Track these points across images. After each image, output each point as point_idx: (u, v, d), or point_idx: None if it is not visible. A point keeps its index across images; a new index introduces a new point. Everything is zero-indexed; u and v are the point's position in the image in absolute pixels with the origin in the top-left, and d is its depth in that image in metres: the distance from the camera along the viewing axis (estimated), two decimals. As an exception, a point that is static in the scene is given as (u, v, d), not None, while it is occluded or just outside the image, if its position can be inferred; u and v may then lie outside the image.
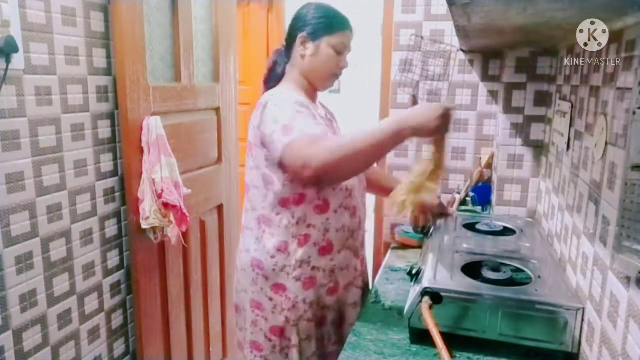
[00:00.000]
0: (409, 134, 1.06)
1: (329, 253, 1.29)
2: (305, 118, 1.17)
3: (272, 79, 1.40)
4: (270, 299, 1.28)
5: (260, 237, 1.28)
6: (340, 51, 1.33)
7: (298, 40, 1.32)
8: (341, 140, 1.15)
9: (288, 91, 1.31)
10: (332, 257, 1.30)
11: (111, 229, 1.64)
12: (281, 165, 1.19)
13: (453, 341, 0.99)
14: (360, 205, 1.37)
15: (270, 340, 1.30)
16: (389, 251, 1.71)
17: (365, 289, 1.44)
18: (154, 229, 1.64)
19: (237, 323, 1.42)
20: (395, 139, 1.07)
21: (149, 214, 1.59)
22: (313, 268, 1.27)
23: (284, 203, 1.25)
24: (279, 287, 1.27)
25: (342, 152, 1.07)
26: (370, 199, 1.84)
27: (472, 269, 1.16)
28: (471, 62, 1.79)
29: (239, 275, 1.36)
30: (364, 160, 1.12)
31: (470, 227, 1.51)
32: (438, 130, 1.07)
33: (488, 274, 1.11)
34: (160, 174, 1.61)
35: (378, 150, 1.10)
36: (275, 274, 1.27)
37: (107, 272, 1.64)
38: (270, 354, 1.30)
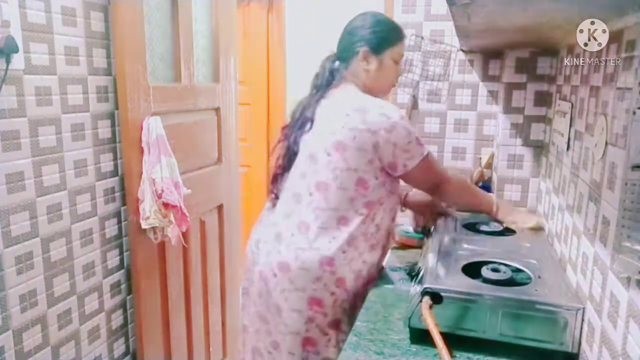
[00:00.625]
0: (494, 214, 1.50)
1: (375, 249, 1.37)
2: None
3: (325, 84, 1.41)
4: (332, 293, 1.29)
5: (337, 235, 1.29)
6: (399, 61, 1.43)
7: (360, 55, 1.37)
8: (466, 181, 1.57)
9: (374, 98, 1.37)
10: (375, 253, 1.37)
11: (111, 229, 1.64)
12: (409, 172, 1.32)
13: (453, 341, 0.99)
14: (399, 207, 1.55)
15: (326, 334, 1.31)
16: (389, 251, 1.71)
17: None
18: (154, 229, 1.64)
19: (275, 327, 1.34)
20: (480, 206, 1.51)
21: (149, 214, 1.59)
22: (364, 262, 1.34)
23: (367, 205, 1.31)
24: (340, 281, 1.30)
25: (464, 190, 1.50)
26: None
27: (472, 269, 1.16)
28: (471, 62, 1.79)
29: (292, 275, 1.29)
30: (463, 204, 1.55)
31: (470, 227, 1.51)
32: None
33: (488, 274, 1.11)
34: (160, 174, 1.61)
35: (470, 203, 1.53)
36: (341, 268, 1.29)
37: (107, 272, 1.64)
38: (324, 347, 1.31)
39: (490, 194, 1.54)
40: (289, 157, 1.40)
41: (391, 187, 1.36)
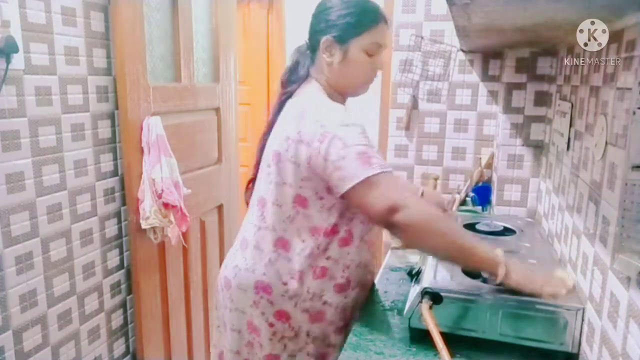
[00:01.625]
0: (503, 278, 0.99)
1: (344, 290, 1.16)
2: (372, 148, 1.03)
3: (293, 80, 1.19)
4: (271, 325, 1.14)
5: (275, 260, 1.12)
6: (373, 53, 1.14)
7: (322, 45, 1.12)
8: (442, 219, 1.04)
9: (330, 101, 1.13)
10: (347, 294, 1.17)
11: (111, 229, 1.64)
12: (345, 195, 1.02)
13: (453, 341, 0.99)
14: (375, 237, 1.26)
15: None
16: (389, 251, 1.71)
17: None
18: (154, 229, 1.64)
19: (217, 340, 1.27)
20: (478, 268, 1.06)
21: (149, 214, 1.59)
22: (324, 303, 1.14)
23: (313, 231, 1.10)
24: (282, 314, 1.13)
25: (438, 230, 1.00)
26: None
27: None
28: (471, 62, 1.79)
29: (233, 293, 1.18)
30: (441, 252, 1.04)
31: (470, 227, 1.51)
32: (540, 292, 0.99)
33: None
34: (160, 174, 1.61)
35: (457, 259, 1.05)
36: (282, 300, 1.12)
37: (107, 272, 1.64)
38: None
39: (497, 251, 1.03)
40: (257, 164, 1.24)
41: (353, 212, 1.11)
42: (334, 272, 1.13)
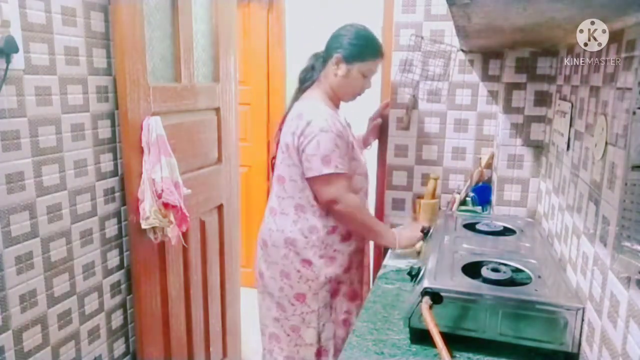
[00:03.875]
0: (394, 246, 1.59)
1: (347, 240, 1.61)
2: (340, 155, 1.49)
3: (307, 78, 1.64)
4: (298, 271, 1.56)
5: (297, 220, 1.56)
6: (368, 76, 1.60)
7: (334, 59, 1.56)
8: (364, 212, 1.61)
9: (323, 107, 1.55)
10: (350, 243, 1.61)
11: (111, 229, 1.64)
12: (309, 181, 1.52)
13: (453, 341, 0.99)
14: (367, 200, 1.74)
15: (293, 305, 1.58)
16: (389, 251, 1.71)
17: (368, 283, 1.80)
18: (154, 229, 1.64)
19: (260, 286, 1.68)
20: (384, 242, 1.62)
21: (149, 214, 1.59)
22: (335, 250, 1.58)
23: (317, 198, 1.55)
24: (306, 262, 1.56)
25: (357, 220, 1.56)
26: (370, 200, 1.85)
27: (472, 269, 1.16)
28: (471, 62, 1.79)
29: (268, 250, 1.61)
30: (359, 232, 1.62)
31: (470, 227, 1.51)
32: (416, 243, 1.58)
33: (488, 274, 1.11)
34: (160, 174, 1.61)
35: (369, 237, 1.69)
36: (305, 251, 1.55)
37: (107, 272, 1.64)
38: (291, 315, 1.59)
39: (393, 230, 1.62)
40: (276, 149, 1.65)
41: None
42: (340, 228, 1.58)
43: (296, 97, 1.65)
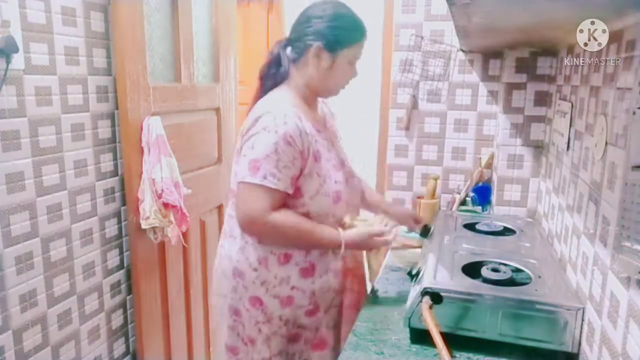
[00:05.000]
0: (345, 247, 1.22)
1: (310, 275, 1.23)
2: (275, 164, 1.13)
3: (271, 77, 1.27)
4: (247, 310, 1.24)
5: (244, 247, 1.23)
6: (354, 63, 1.26)
7: (312, 51, 1.21)
8: (292, 227, 1.18)
9: (287, 104, 1.20)
10: (313, 280, 1.24)
11: (111, 229, 1.64)
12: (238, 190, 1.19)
13: (453, 341, 0.99)
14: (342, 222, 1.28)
15: (246, 344, 1.28)
16: (389, 251, 1.71)
17: (364, 295, 1.39)
18: (154, 229, 1.64)
19: (215, 322, 1.40)
20: (327, 247, 1.23)
21: (149, 214, 1.59)
22: (292, 288, 1.22)
23: None
24: (256, 301, 1.23)
25: (282, 238, 1.19)
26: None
27: (472, 269, 1.16)
28: (471, 62, 1.79)
29: (219, 278, 1.29)
30: (290, 246, 1.22)
31: (470, 227, 1.51)
32: (373, 248, 1.29)
33: (488, 274, 1.11)
34: (160, 174, 1.61)
35: (309, 247, 1.22)
36: (255, 286, 1.22)
37: (107, 272, 1.64)
38: (244, 355, 1.29)
39: (338, 232, 1.22)
40: None
41: (296, 203, 1.20)
42: (297, 258, 1.22)
43: (254, 100, 1.28)
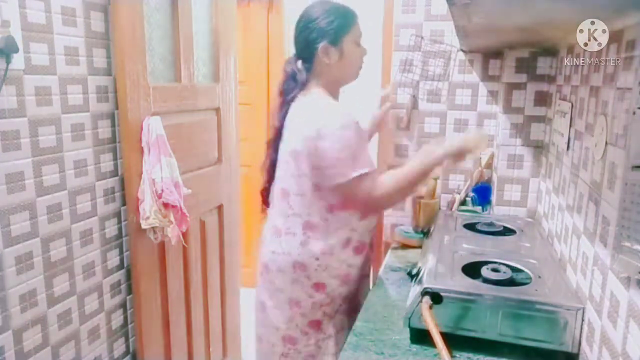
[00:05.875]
0: (447, 163, 1.35)
1: (361, 252, 1.39)
2: (364, 148, 1.28)
3: (290, 90, 1.38)
4: (310, 297, 1.35)
5: (305, 241, 1.33)
6: (359, 42, 1.38)
7: (320, 52, 1.34)
8: (398, 178, 1.30)
9: (332, 101, 1.35)
10: (363, 254, 1.41)
11: (111, 229, 1.64)
12: (336, 188, 1.27)
13: (453, 341, 0.99)
14: None
15: (306, 333, 1.37)
16: (389, 251, 1.71)
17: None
18: (154, 229, 1.64)
19: (262, 321, 1.45)
20: (436, 167, 1.33)
21: (149, 214, 1.59)
22: (349, 266, 1.37)
23: (331, 209, 1.31)
24: (319, 286, 1.35)
25: (401, 190, 1.31)
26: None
27: (472, 269, 1.16)
28: (471, 62, 1.79)
29: (272, 276, 1.38)
30: (412, 190, 1.38)
31: (470, 227, 1.51)
32: (468, 152, 1.35)
33: (488, 274, 1.11)
34: (160, 174, 1.61)
35: (424, 178, 1.34)
36: (317, 274, 1.33)
37: (107, 272, 1.64)
38: (304, 346, 1.38)
39: (434, 149, 1.34)
40: (270, 170, 1.46)
41: None
42: (352, 238, 1.36)
43: (280, 110, 1.41)
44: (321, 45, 1.33)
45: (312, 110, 1.31)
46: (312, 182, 1.30)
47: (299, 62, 1.38)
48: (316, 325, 1.37)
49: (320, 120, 1.27)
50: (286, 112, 1.38)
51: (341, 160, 1.24)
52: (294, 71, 1.39)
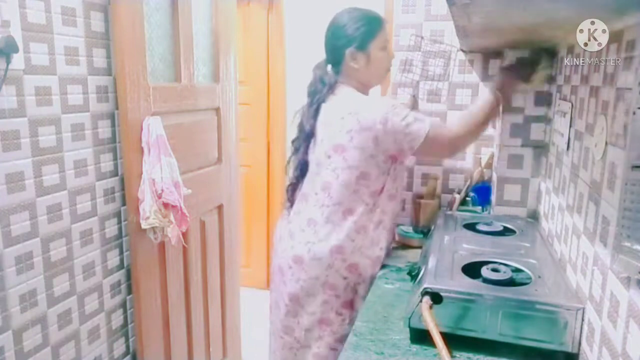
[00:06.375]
0: (501, 100, 1.47)
1: (391, 231, 1.51)
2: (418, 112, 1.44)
3: (318, 92, 1.47)
4: (345, 278, 1.41)
5: (343, 225, 1.41)
6: (386, 47, 1.46)
7: (348, 57, 1.43)
8: (467, 118, 1.44)
9: (364, 96, 1.46)
10: (389, 237, 1.50)
11: (111, 229, 1.64)
12: (417, 151, 1.37)
13: (453, 341, 0.99)
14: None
15: (340, 314, 1.43)
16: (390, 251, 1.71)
17: None
18: (154, 229, 1.64)
19: (291, 312, 1.48)
20: (497, 107, 1.47)
21: (149, 214, 1.59)
22: (381, 248, 1.45)
23: (372, 194, 1.41)
24: (353, 266, 1.41)
25: (473, 126, 1.43)
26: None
27: (472, 269, 1.16)
28: (471, 62, 1.79)
29: (306, 266, 1.42)
30: (484, 127, 1.48)
31: (470, 227, 1.51)
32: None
33: (488, 274, 1.11)
34: (160, 174, 1.61)
35: (491, 116, 1.47)
36: (352, 255, 1.40)
37: (107, 272, 1.64)
38: (339, 326, 1.43)
39: (486, 94, 1.47)
40: (302, 167, 1.51)
41: (395, 173, 1.45)
42: (385, 221, 1.46)
43: (310, 111, 1.48)
44: (349, 50, 1.42)
45: (349, 106, 1.39)
46: (359, 172, 1.38)
47: (329, 67, 1.48)
48: (349, 305, 1.44)
49: (363, 109, 1.37)
50: (315, 112, 1.46)
51: (410, 126, 1.35)
52: (322, 75, 1.48)
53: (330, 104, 1.45)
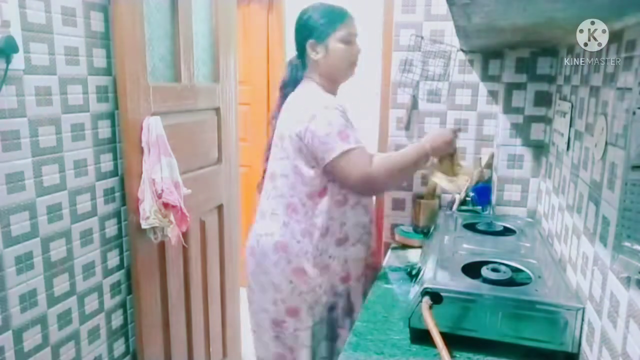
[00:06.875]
0: (431, 153, 1.41)
1: (343, 244, 1.43)
2: (352, 129, 1.34)
3: (289, 84, 1.50)
4: (291, 282, 1.39)
5: (287, 222, 1.39)
6: (349, 41, 1.44)
7: (308, 48, 1.44)
8: (392, 160, 1.38)
9: (321, 92, 1.43)
10: (346, 248, 1.44)
11: (111, 229, 1.64)
12: (328, 166, 1.33)
13: (453, 341, 0.99)
14: (372, 203, 1.55)
15: (285, 321, 1.41)
16: (389, 251, 1.71)
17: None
18: (154, 229, 1.64)
19: (253, 305, 1.49)
20: (424, 159, 1.41)
21: (149, 214, 1.59)
22: (330, 257, 1.41)
23: (310, 195, 1.38)
24: (299, 271, 1.38)
25: (394, 172, 1.36)
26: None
27: (472, 269, 1.16)
28: (471, 62, 1.79)
29: (257, 259, 1.43)
30: (404, 178, 1.53)
31: (470, 227, 1.51)
32: (450, 147, 1.45)
33: (488, 274, 1.11)
34: (160, 174, 1.61)
35: (413, 168, 1.44)
36: (297, 258, 1.38)
37: (107, 272, 1.64)
38: (284, 329, 1.42)
39: (418, 145, 1.42)
40: (267, 155, 1.55)
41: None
42: (334, 229, 1.40)
43: (281, 102, 1.52)
44: (309, 42, 1.44)
45: (298, 98, 1.43)
46: (293, 164, 1.38)
47: (297, 61, 1.50)
48: (295, 313, 1.40)
49: (306, 104, 1.38)
50: (282, 102, 1.49)
51: (329, 136, 1.31)
52: (292, 69, 1.51)
53: (290, 96, 1.47)
